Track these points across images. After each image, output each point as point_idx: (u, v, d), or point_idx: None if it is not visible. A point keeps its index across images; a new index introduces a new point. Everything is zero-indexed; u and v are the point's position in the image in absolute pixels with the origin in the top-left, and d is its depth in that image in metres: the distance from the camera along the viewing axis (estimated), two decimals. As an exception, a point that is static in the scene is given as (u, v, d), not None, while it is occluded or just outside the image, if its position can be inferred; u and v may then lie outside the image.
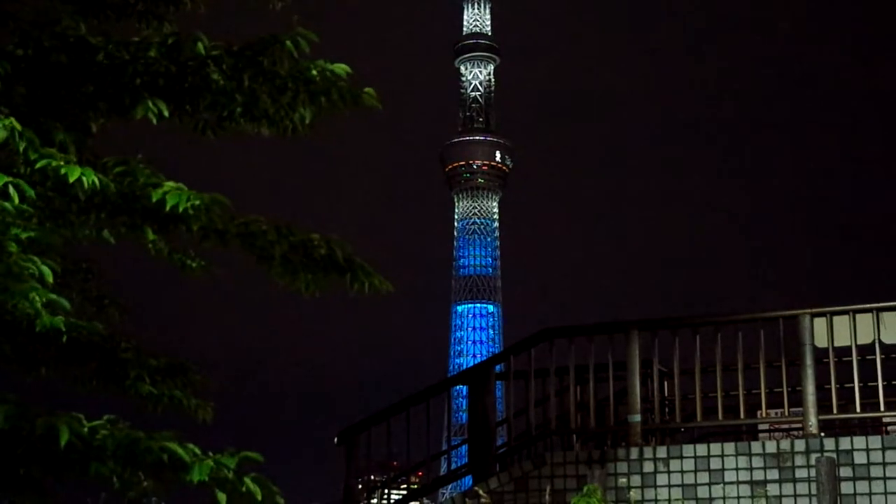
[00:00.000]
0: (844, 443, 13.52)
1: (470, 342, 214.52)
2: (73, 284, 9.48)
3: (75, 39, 8.24)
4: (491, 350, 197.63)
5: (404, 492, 17.50)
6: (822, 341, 14.22)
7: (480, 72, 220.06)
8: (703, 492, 13.96)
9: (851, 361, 14.12)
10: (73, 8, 8.67)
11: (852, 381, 14.04)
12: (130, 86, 8.18)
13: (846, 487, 13.22)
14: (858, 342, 14.09)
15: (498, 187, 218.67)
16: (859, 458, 13.36)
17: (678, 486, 14.09)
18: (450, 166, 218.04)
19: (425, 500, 19.32)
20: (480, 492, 13.97)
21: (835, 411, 14.11)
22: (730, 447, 14.09)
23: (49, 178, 7.13)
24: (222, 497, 6.80)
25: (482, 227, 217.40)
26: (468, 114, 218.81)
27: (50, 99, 8.30)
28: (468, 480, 16.02)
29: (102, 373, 9.01)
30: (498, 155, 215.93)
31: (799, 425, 14.46)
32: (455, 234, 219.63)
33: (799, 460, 13.62)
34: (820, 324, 14.23)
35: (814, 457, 13.35)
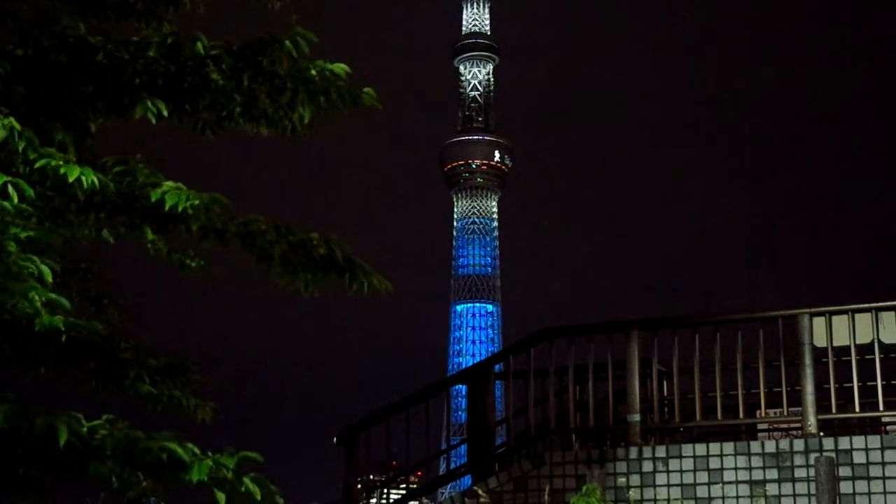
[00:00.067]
0: (843, 442, 13.52)
1: (469, 342, 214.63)
2: (72, 284, 9.48)
3: (75, 39, 8.24)
4: (490, 350, 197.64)
5: (403, 491, 17.51)
6: (821, 341, 14.22)
7: (480, 71, 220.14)
8: (702, 491, 13.97)
9: (850, 361, 14.12)
10: (72, 7, 8.67)
11: (851, 381, 14.05)
12: (130, 85, 8.19)
13: (845, 487, 13.23)
14: (857, 342, 14.09)
15: (497, 187, 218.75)
16: (858, 457, 13.36)
17: (677, 485, 14.10)
18: (449, 166, 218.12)
19: (424, 500, 19.31)
20: (479, 491, 13.96)
21: (834, 411, 14.11)
22: (729, 447, 14.09)
23: (48, 178, 7.13)
24: (221, 497, 6.79)
25: (481, 226, 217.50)
26: (467, 113, 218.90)
27: (49, 98, 8.31)
28: (467, 480, 16.01)
29: (102, 372, 9.01)
30: (497, 154, 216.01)
31: (798, 425, 14.46)
32: (454, 233, 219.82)
33: (798, 460, 13.62)
34: (819, 323, 14.23)
35: (813, 456, 13.35)
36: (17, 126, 6.92)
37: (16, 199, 6.70)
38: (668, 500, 14.00)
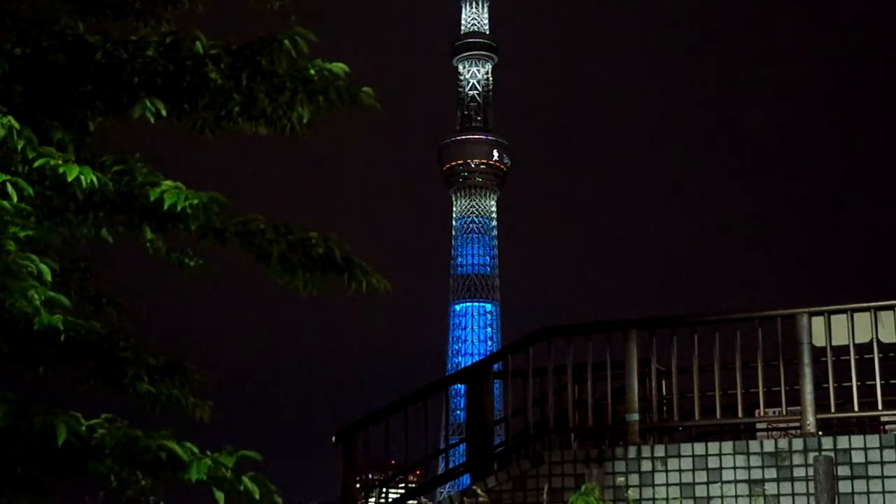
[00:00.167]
0: (842, 442, 13.54)
1: (468, 341, 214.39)
2: (71, 283, 9.48)
3: (73, 38, 8.25)
4: (489, 349, 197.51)
5: (402, 491, 17.51)
6: (819, 340, 14.24)
7: (479, 70, 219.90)
8: (700, 490, 13.98)
9: (849, 360, 14.13)
10: (71, 7, 8.68)
11: (850, 380, 14.06)
12: (128, 85, 8.19)
13: (844, 486, 13.25)
14: (856, 341, 14.10)
15: (496, 186, 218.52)
16: (857, 457, 13.38)
17: (676, 484, 14.11)
18: (448, 165, 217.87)
19: (423, 499, 19.32)
20: (478, 491, 13.97)
21: (833, 410, 14.13)
22: (728, 446, 14.11)
23: (47, 177, 7.13)
24: (220, 496, 6.80)
25: (480, 225, 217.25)
26: (466, 112, 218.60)
27: (48, 98, 8.31)
28: (466, 479, 16.04)
29: (100, 371, 9.01)
30: (496, 154, 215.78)
31: (797, 424, 14.48)
32: (453, 232, 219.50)
33: (797, 459, 13.64)
34: (818, 323, 14.24)
35: (812, 456, 13.36)
36: (17, 125, 6.93)
37: (15, 199, 6.70)
38: (667, 499, 14.01)
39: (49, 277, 6.82)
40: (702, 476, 14.04)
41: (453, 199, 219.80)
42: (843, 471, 13.31)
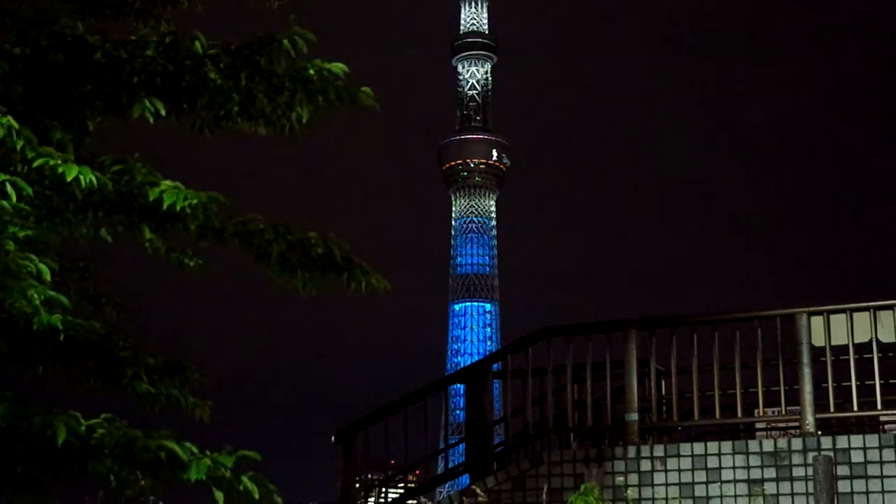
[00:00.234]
0: (841, 441, 13.55)
1: (467, 341, 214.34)
2: (70, 283, 9.48)
3: (73, 38, 8.24)
4: (488, 349, 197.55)
5: (402, 490, 17.51)
6: (819, 340, 14.24)
7: (478, 70, 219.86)
8: (700, 490, 13.98)
9: (848, 360, 14.14)
10: (71, 7, 8.68)
11: (849, 380, 14.07)
12: (128, 84, 8.19)
13: (843, 486, 13.25)
14: (856, 341, 14.10)
15: (495, 186, 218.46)
16: (856, 456, 13.39)
17: (675, 484, 14.11)
18: (447, 165, 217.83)
19: (423, 499, 19.32)
20: (478, 490, 13.97)
21: (832, 410, 14.14)
22: (727, 446, 14.12)
23: (46, 177, 7.13)
24: (219, 495, 6.81)
25: (479, 225, 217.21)
26: (465, 112, 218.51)
27: (47, 97, 8.31)
28: (465, 479, 16.04)
29: (100, 371, 9.00)
30: (495, 153, 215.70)
31: (796, 424, 14.48)
32: (452, 232, 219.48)
33: (796, 459, 13.64)
34: (817, 323, 14.25)
35: (811, 455, 13.36)
36: (16, 125, 6.92)
37: (14, 198, 6.70)
38: (667, 499, 14.02)
39: (48, 277, 6.82)
40: (701, 476, 14.04)
41: (453, 198, 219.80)
42: (842, 470, 13.31)
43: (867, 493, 13.23)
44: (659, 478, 14.22)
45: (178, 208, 7.56)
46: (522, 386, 15.83)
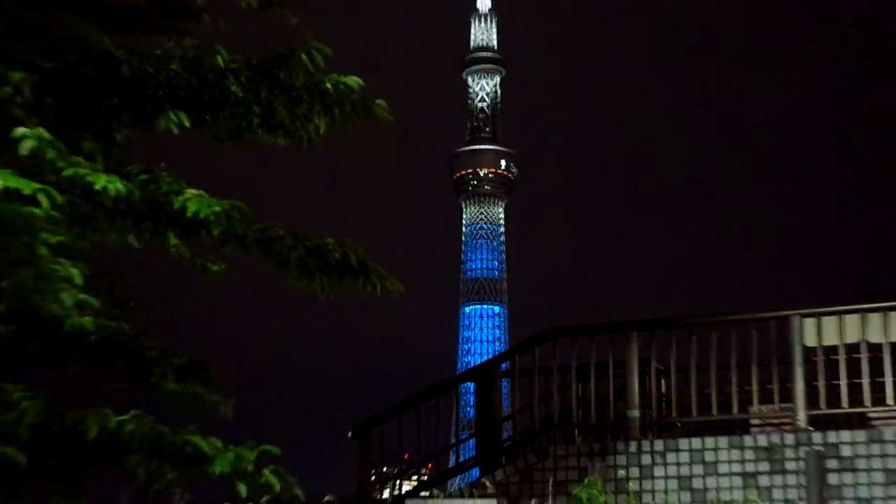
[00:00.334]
0: (831, 437, 13.55)
1: (477, 341, 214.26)
2: (99, 287, 9.47)
3: (100, 53, 8.24)
4: (497, 349, 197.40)
5: (415, 483, 17.51)
6: (811, 341, 14.24)
7: (487, 83, 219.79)
8: (697, 483, 13.98)
9: (839, 360, 14.14)
10: (98, 22, 8.68)
11: (839, 379, 14.06)
12: (153, 97, 8.18)
13: (833, 479, 13.23)
14: (845, 341, 14.10)
15: (504, 194, 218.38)
16: (845, 451, 13.39)
17: (674, 477, 14.12)
18: (457, 174, 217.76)
19: (435, 491, 19.33)
20: (487, 483, 13.99)
21: (823, 407, 14.13)
22: (723, 441, 14.12)
23: (76, 186, 7.13)
24: (242, 487, 6.81)
25: (489, 231, 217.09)
26: (475, 124, 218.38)
27: (77, 110, 8.30)
28: (475, 472, 16.05)
29: (129, 371, 9.00)
30: (503, 163, 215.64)
31: (789, 420, 14.47)
32: (463, 238, 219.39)
33: (789, 453, 13.65)
34: (809, 324, 14.25)
35: (802, 450, 13.38)
36: (47, 136, 6.92)
37: (46, 206, 6.70)
38: (666, 491, 14.02)
39: (80, 281, 6.81)
40: (699, 469, 14.04)
41: (463, 206, 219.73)
42: (831, 464, 13.31)
43: (855, 485, 13.22)
44: (659, 471, 14.22)
45: (202, 215, 7.55)
46: (529, 384, 15.83)
